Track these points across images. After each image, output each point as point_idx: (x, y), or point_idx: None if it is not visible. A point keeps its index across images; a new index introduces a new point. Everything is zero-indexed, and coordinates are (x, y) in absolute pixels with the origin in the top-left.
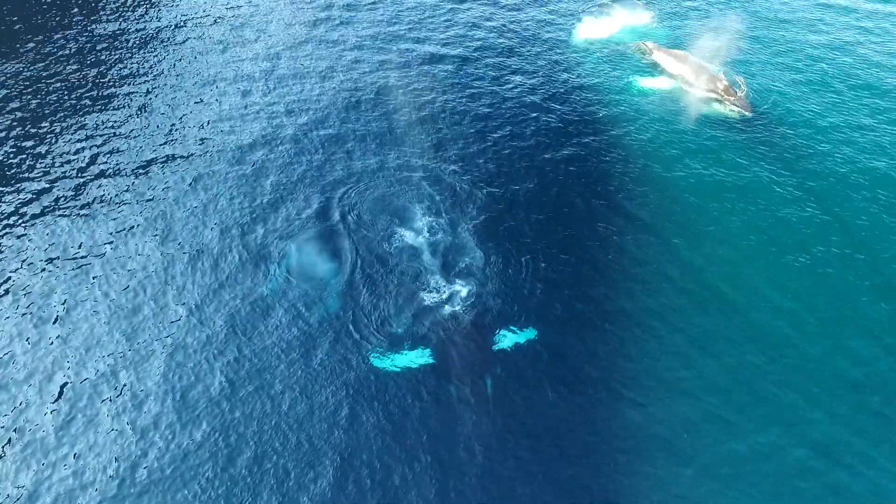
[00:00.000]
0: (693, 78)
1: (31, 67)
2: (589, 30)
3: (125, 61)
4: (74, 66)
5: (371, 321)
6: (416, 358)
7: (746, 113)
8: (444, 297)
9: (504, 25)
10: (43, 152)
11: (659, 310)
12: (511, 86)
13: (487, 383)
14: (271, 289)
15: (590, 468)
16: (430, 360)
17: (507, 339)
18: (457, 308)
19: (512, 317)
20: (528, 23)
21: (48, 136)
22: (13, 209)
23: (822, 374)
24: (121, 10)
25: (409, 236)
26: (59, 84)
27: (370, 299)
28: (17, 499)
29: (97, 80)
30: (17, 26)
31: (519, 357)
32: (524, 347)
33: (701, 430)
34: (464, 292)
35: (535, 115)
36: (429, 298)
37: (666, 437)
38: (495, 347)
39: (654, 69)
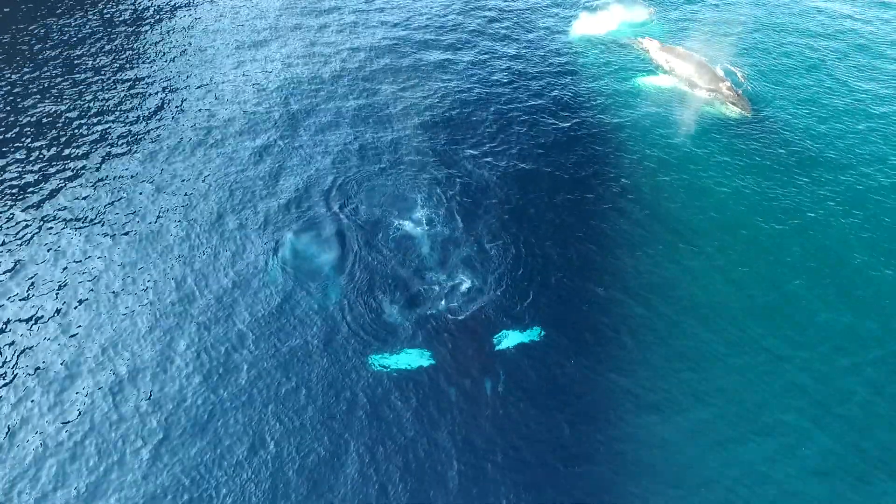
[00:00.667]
0: (693, 76)
1: (41, 68)
2: (586, 26)
3: (133, 60)
4: (80, 63)
5: (371, 316)
6: (417, 359)
7: (747, 114)
8: (446, 292)
9: (501, 19)
10: (52, 149)
11: (662, 309)
12: (513, 86)
13: (487, 385)
14: (271, 279)
15: (593, 470)
16: (431, 362)
17: (510, 338)
18: (458, 305)
19: (515, 315)
20: (525, 18)
21: (58, 132)
22: (27, 205)
23: (822, 373)
24: (130, 9)
25: (410, 230)
26: (66, 81)
27: (370, 293)
28: (40, 492)
29: (104, 79)
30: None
31: (522, 357)
32: (528, 347)
33: (707, 432)
34: (466, 288)
35: (535, 114)
36: (430, 294)
37: (671, 439)
38: (498, 347)
39: (653, 67)
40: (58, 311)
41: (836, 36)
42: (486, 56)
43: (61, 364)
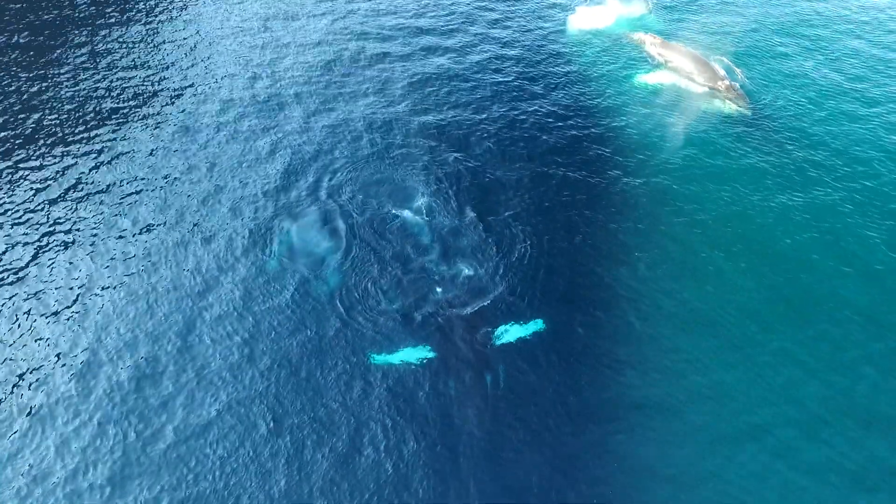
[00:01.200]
0: (691, 72)
1: (52, 64)
2: (583, 20)
3: (143, 53)
4: (85, 57)
5: (370, 308)
6: (417, 352)
7: (745, 111)
8: (447, 284)
9: (498, 16)
10: (60, 137)
11: (665, 304)
12: (510, 78)
13: (487, 379)
14: (271, 266)
15: (590, 466)
16: (431, 355)
17: (511, 331)
18: (459, 297)
19: (517, 308)
20: (522, 12)
21: (64, 123)
22: (31, 195)
23: (814, 352)
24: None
25: (412, 221)
26: (69, 74)
27: (370, 284)
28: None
29: (109, 71)
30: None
31: (524, 350)
32: (529, 341)
33: (708, 429)
34: (467, 281)
35: (533, 108)
36: (431, 286)
37: (673, 435)
38: (499, 341)
39: (650, 62)
40: (76, 298)
41: (837, 30)
42: (484, 50)
43: (61, 347)
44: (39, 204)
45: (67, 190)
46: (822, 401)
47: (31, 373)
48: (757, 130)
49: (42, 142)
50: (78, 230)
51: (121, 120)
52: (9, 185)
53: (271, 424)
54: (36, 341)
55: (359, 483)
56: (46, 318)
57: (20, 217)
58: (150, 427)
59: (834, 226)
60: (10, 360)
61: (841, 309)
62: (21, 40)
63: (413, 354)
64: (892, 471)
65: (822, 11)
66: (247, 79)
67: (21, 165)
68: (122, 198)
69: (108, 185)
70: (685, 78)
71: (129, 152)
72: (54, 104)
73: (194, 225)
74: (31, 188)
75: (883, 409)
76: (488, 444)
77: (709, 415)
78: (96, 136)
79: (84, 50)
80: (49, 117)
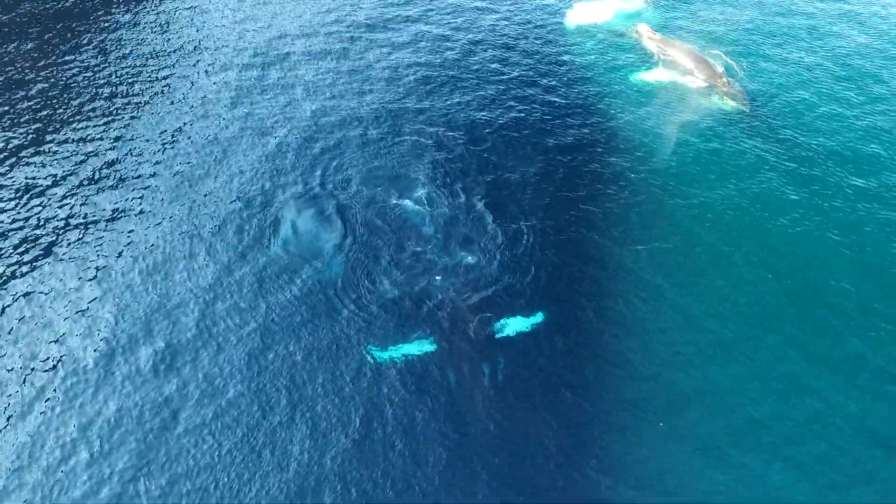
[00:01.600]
0: (689, 68)
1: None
2: (581, 16)
3: (145, 46)
4: (93, 53)
5: (371, 299)
6: (418, 344)
7: (743, 107)
8: (448, 276)
9: (500, 13)
10: (71, 130)
11: (669, 296)
12: (512, 74)
13: (486, 371)
14: (276, 256)
15: (585, 464)
16: (432, 347)
17: (513, 322)
18: (461, 289)
19: (519, 301)
20: (522, 9)
21: (75, 115)
22: (49, 182)
23: (814, 342)
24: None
25: (413, 212)
26: (78, 69)
27: (371, 275)
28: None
29: (119, 64)
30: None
31: (525, 342)
32: (530, 335)
33: (708, 427)
34: (469, 272)
35: (534, 103)
36: (432, 277)
37: (672, 434)
38: (501, 333)
39: (650, 61)
40: (90, 288)
41: (836, 26)
42: (486, 50)
43: (78, 330)
44: (51, 197)
45: (79, 183)
46: (824, 393)
47: (45, 360)
48: (755, 126)
49: (53, 136)
50: (90, 222)
51: (131, 113)
52: (21, 179)
53: (284, 409)
54: (51, 330)
55: (369, 462)
56: (60, 308)
57: (33, 209)
58: (167, 411)
59: (833, 220)
60: (26, 349)
61: (841, 302)
62: (32, 34)
63: (413, 348)
64: (893, 462)
65: (822, 6)
66: (255, 71)
67: (33, 160)
68: (134, 189)
69: (120, 178)
70: (683, 74)
71: (139, 145)
72: (63, 98)
73: (203, 215)
74: (43, 182)
75: (883, 402)
76: (492, 434)
77: (711, 408)
78: (106, 129)
79: (93, 43)
80: (59, 111)
